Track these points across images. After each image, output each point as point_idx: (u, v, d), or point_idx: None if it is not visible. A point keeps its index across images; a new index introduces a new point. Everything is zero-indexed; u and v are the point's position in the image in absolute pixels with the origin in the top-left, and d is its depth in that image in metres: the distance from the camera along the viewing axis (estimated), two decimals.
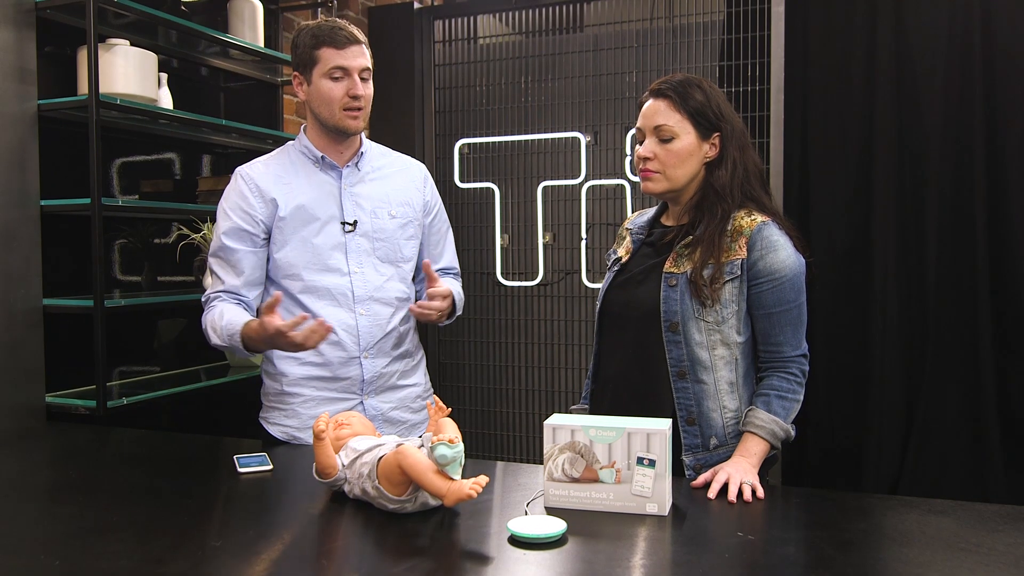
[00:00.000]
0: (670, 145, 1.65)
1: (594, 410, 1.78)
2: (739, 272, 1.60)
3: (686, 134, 1.64)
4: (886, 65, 2.79)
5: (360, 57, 1.87)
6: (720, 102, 1.66)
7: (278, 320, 1.65)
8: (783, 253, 1.61)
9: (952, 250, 2.73)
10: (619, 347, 1.72)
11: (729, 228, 1.63)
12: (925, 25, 2.75)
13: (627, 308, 1.70)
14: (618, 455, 1.35)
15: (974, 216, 2.68)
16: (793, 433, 1.60)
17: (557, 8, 3.32)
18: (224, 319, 1.82)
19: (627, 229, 1.83)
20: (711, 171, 1.67)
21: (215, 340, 1.84)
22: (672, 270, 1.64)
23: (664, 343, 1.62)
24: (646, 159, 1.67)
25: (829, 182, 2.89)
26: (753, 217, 1.63)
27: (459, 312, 2.06)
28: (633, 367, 1.68)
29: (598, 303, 1.79)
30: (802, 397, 1.63)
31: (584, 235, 3.24)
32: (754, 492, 1.45)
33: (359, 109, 1.88)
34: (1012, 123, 2.65)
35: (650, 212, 1.84)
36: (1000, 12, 2.66)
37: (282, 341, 1.67)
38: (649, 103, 1.68)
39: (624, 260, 1.77)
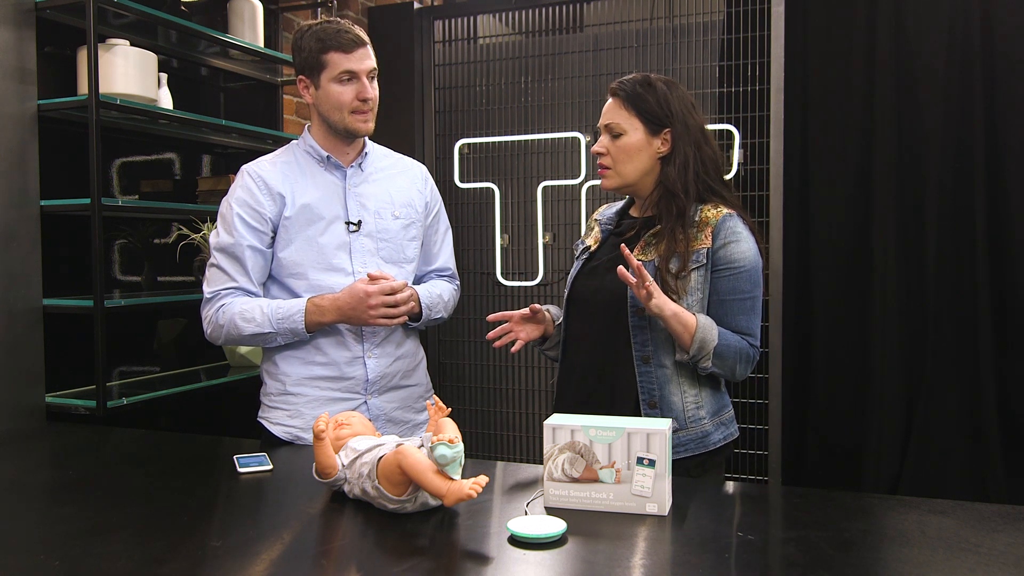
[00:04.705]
0: (618, 141, 1.71)
1: (560, 394, 1.81)
2: (704, 260, 1.65)
3: (634, 130, 1.70)
4: (886, 65, 2.79)
5: (367, 59, 1.87)
6: (672, 100, 1.70)
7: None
8: (744, 245, 1.66)
9: (952, 250, 2.72)
10: (586, 333, 1.76)
11: (697, 219, 1.68)
12: (925, 25, 2.75)
13: (595, 295, 1.74)
14: (618, 455, 1.35)
15: (974, 216, 2.68)
16: (711, 360, 1.61)
17: (557, 8, 3.32)
18: (265, 304, 1.83)
19: (596, 220, 1.89)
20: (663, 167, 1.71)
21: (250, 329, 1.83)
22: (640, 257, 1.68)
23: (630, 328, 1.66)
24: (599, 155, 1.73)
25: (829, 182, 2.89)
26: (719, 209, 1.69)
27: (443, 316, 2.04)
28: (599, 353, 1.72)
29: (566, 291, 1.82)
30: (744, 361, 1.64)
31: None
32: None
33: (368, 111, 1.89)
34: (1012, 123, 2.65)
35: (618, 204, 1.89)
36: (1000, 12, 2.66)
37: (374, 301, 1.78)
38: (607, 102, 1.74)
39: (593, 249, 1.82)
